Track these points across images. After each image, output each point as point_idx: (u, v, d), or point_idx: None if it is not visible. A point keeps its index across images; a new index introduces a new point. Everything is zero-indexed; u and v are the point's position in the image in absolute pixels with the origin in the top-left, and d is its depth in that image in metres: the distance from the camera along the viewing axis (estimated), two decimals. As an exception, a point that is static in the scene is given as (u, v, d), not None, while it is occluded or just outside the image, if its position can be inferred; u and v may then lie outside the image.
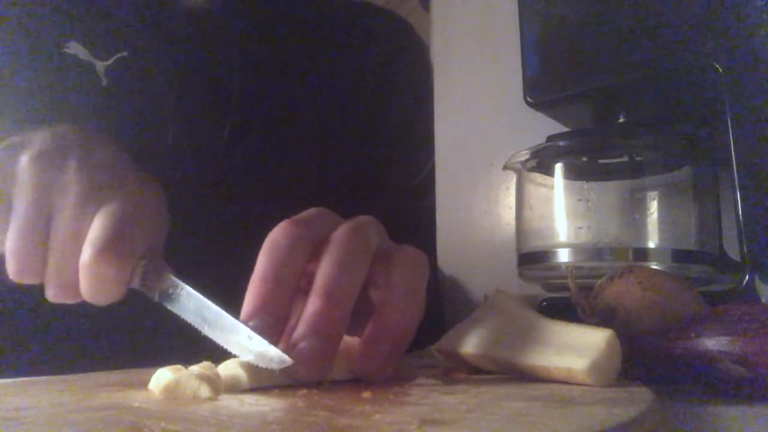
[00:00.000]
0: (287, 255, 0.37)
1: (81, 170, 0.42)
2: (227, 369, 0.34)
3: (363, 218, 0.40)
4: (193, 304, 0.39)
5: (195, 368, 0.33)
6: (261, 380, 0.34)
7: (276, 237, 0.38)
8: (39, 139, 0.44)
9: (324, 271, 0.36)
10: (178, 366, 0.33)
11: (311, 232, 0.38)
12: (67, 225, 0.41)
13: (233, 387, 0.33)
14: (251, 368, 0.34)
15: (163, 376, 0.31)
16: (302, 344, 0.34)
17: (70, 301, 0.43)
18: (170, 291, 0.41)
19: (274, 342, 0.34)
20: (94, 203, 0.42)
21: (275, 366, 0.33)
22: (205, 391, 0.31)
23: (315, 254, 0.38)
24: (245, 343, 0.35)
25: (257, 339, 0.34)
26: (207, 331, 0.37)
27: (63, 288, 0.42)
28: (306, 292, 0.37)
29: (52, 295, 0.43)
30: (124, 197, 0.42)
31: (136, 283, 0.42)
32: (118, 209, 0.41)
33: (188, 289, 0.40)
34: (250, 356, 0.34)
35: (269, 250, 0.37)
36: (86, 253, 0.40)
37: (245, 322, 0.35)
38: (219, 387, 0.31)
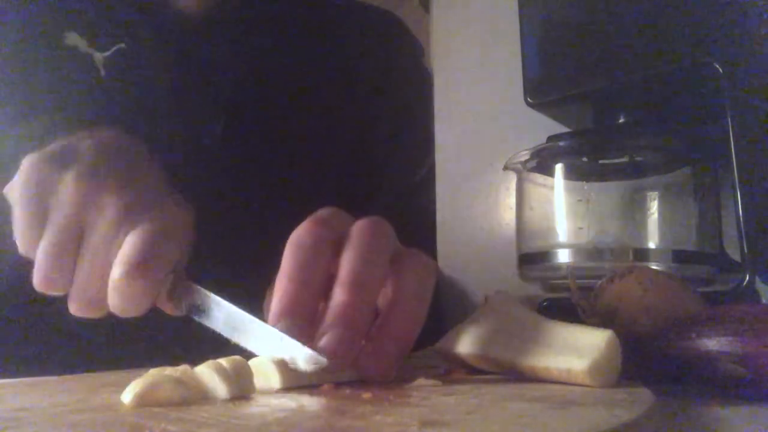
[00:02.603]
0: (313, 255, 0.37)
1: (120, 192, 0.43)
2: (259, 366, 0.34)
3: (377, 218, 0.40)
4: (222, 313, 0.40)
5: (169, 370, 0.33)
6: (292, 380, 0.34)
7: (301, 237, 0.38)
8: (82, 153, 0.44)
9: (349, 263, 0.37)
10: (152, 372, 0.33)
11: (333, 230, 0.39)
12: (100, 243, 0.42)
13: (265, 385, 0.34)
14: (284, 368, 0.34)
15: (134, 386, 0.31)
16: (329, 334, 0.34)
17: (92, 315, 0.44)
18: (198, 303, 0.41)
19: (305, 342, 0.34)
20: (128, 223, 0.42)
21: (310, 366, 0.33)
22: (222, 391, 0.31)
23: (336, 253, 0.38)
24: (278, 346, 0.35)
25: (289, 341, 0.34)
26: (237, 338, 0.38)
27: (87, 303, 0.43)
28: (327, 291, 0.37)
29: (75, 308, 0.44)
30: (156, 217, 0.43)
31: (163, 298, 0.43)
32: (150, 230, 0.42)
33: (216, 298, 0.41)
34: (285, 357, 0.34)
35: (295, 251, 0.37)
36: (117, 271, 0.41)
37: (274, 324, 0.35)
38: (189, 390, 0.31)
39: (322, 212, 0.40)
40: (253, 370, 0.33)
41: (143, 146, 0.49)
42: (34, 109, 0.63)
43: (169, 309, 0.43)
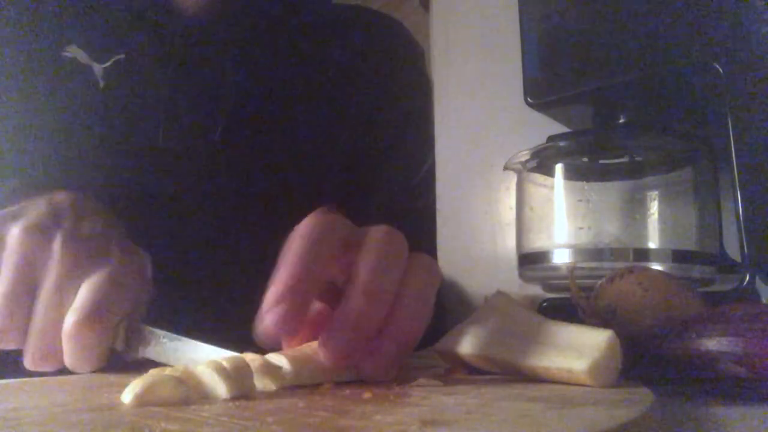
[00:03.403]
0: (318, 243, 0.37)
1: (67, 244, 0.45)
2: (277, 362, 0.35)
3: (390, 227, 0.40)
4: (177, 348, 0.42)
5: (169, 370, 0.33)
6: (302, 377, 0.35)
7: (308, 225, 0.38)
8: (34, 209, 0.46)
9: (366, 268, 0.37)
10: (152, 372, 0.33)
11: (340, 227, 0.39)
12: (51, 294, 0.43)
13: (277, 381, 0.34)
14: (295, 364, 0.34)
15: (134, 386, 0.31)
16: (338, 337, 0.35)
17: (48, 369, 0.44)
18: (154, 346, 0.44)
19: (294, 329, 0.35)
20: (78, 275, 0.44)
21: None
22: (222, 391, 0.31)
23: (342, 250, 0.38)
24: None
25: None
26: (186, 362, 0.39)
27: (42, 355, 0.44)
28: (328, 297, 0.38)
29: (30, 362, 0.44)
30: (107, 268, 0.45)
31: (119, 346, 0.44)
32: (101, 280, 0.44)
33: (171, 336, 0.43)
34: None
35: (301, 237, 0.37)
36: (69, 321, 0.43)
37: (269, 309, 0.35)
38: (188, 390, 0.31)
39: (321, 210, 0.40)
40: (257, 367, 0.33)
41: (98, 203, 0.51)
42: (33, 123, 0.64)
43: (127, 355, 0.45)
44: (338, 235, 0.39)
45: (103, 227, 0.48)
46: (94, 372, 0.44)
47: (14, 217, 0.46)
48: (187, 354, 0.41)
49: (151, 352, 0.43)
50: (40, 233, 0.45)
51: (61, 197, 0.48)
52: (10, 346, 0.44)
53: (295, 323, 0.34)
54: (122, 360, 0.45)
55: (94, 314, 0.43)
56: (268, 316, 0.34)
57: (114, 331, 0.44)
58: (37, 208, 0.47)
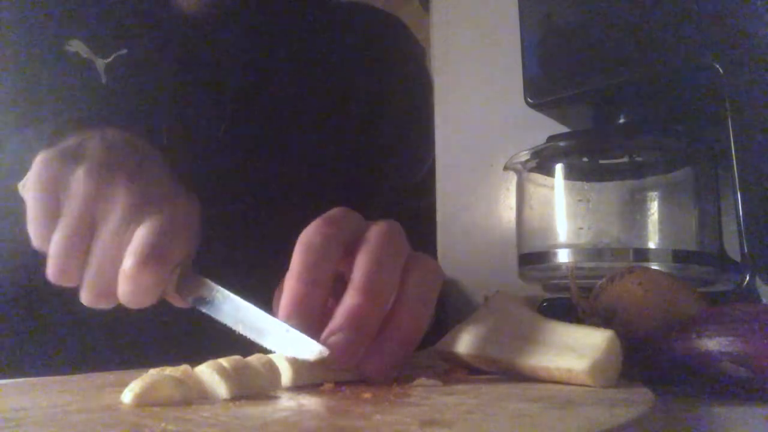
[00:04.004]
0: (322, 255, 0.37)
1: (129, 187, 0.44)
2: (280, 362, 0.35)
3: (393, 222, 0.41)
4: (229, 306, 0.41)
5: (169, 370, 0.33)
6: (302, 377, 0.35)
7: (310, 236, 0.38)
8: (92, 149, 0.46)
9: (364, 267, 0.37)
10: (152, 372, 0.33)
11: (343, 230, 0.39)
12: (111, 236, 0.44)
13: (277, 382, 0.34)
14: (295, 364, 0.35)
15: (134, 386, 0.31)
16: (337, 336, 0.35)
17: (104, 306, 0.45)
18: (205, 296, 0.43)
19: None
20: (138, 217, 0.44)
21: (314, 357, 0.34)
22: (222, 391, 0.31)
23: (346, 253, 0.38)
24: (283, 339, 0.36)
25: (294, 333, 0.35)
26: (242, 330, 0.38)
27: (99, 293, 0.44)
28: (335, 290, 0.37)
29: (86, 299, 0.45)
30: (165, 212, 0.44)
31: (171, 290, 0.44)
32: (159, 224, 0.43)
33: (223, 291, 0.42)
34: (290, 351, 0.35)
35: (304, 250, 0.38)
36: (128, 263, 0.43)
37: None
38: (190, 390, 0.31)
39: (333, 212, 0.41)
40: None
41: (150, 144, 0.50)
42: (37, 116, 0.63)
43: (177, 301, 0.44)
44: (343, 238, 0.39)
45: (161, 170, 0.48)
46: (93, 372, 0.45)
47: (74, 156, 0.45)
48: (232, 313, 0.40)
49: (200, 301, 0.43)
50: (104, 176, 0.44)
51: (115, 136, 0.48)
52: (70, 283, 0.44)
53: (307, 335, 0.35)
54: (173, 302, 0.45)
55: (152, 258, 0.42)
56: None
57: (169, 274, 0.44)
58: (96, 148, 0.46)
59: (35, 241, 0.45)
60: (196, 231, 0.48)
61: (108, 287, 0.44)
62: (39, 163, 0.46)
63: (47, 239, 0.44)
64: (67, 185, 0.44)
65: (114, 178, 0.44)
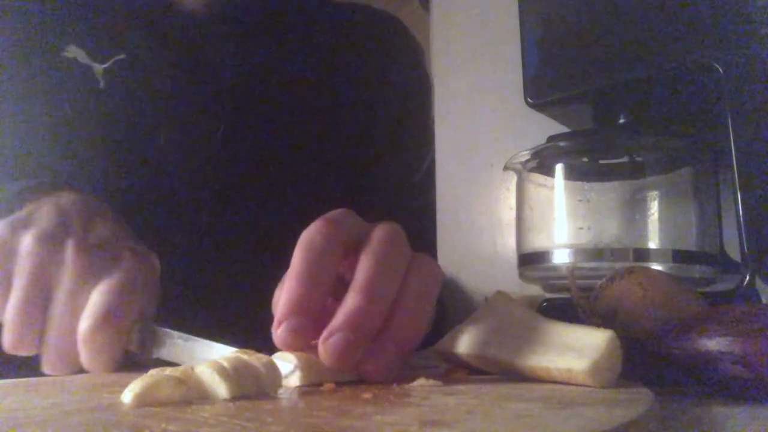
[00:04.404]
0: (322, 254, 0.37)
1: (79, 251, 0.45)
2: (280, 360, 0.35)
3: (394, 224, 0.41)
4: (194, 348, 0.42)
5: (169, 370, 0.33)
6: (312, 376, 0.35)
7: (311, 236, 0.38)
8: (43, 216, 0.47)
9: (365, 269, 0.37)
10: (152, 372, 0.33)
11: (344, 232, 0.39)
12: (66, 300, 0.44)
13: (277, 382, 0.34)
14: (306, 364, 0.35)
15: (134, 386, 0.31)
16: (337, 336, 0.35)
17: (66, 372, 0.45)
18: (168, 346, 0.44)
19: (304, 343, 0.35)
20: (92, 280, 0.44)
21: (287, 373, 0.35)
22: (222, 391, 0.31)
23: (346, 254, 0.38)
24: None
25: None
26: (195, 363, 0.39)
27: (60, 359, 0.44)
28: (335, 291, 0.38)
29: (49, 367, 0.45)
30: (119, 271, 0.45)
31: (133, 348, 0.45)
32: (113, 284, 0.44)
33: (185, 336, 0.43)
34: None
35: (305, 249, 0.38)
36: (83, 326, 0.43)
37: (281, 322, 0.36)
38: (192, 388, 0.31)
39: (334, 212, 0.41)
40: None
41: (105, 205, 0.51)
42: (33, 125, 0.64)
43: (139, 356, 0.45)
44: (344, 238, 0.39)
45: (112, 230, 0.48)
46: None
47: (24, 225, 0.46)
48: (200, 353, 0.42)
49: (165, 352, 0.44)
50: (52, 241, 0.45)
51: (67, 200, 0.49)
52: (28, 352, 0.44)
53: (304, 337, 0.35)
54: (136, 361, 0.45)
55: (108, 318, 0.43)
56: (278, 331, 0.35)
57: (128, 333, 0.45)
58: (45, 214, 0.47)
59: None
60: (155, 286, 0.48)
61: (68, 353, 0.44)
62: None
63: (0, 311, 0.44)
64: (16, 254, 0.44)
65: (63, 242, 0.45)
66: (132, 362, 0.45)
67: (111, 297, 0.44)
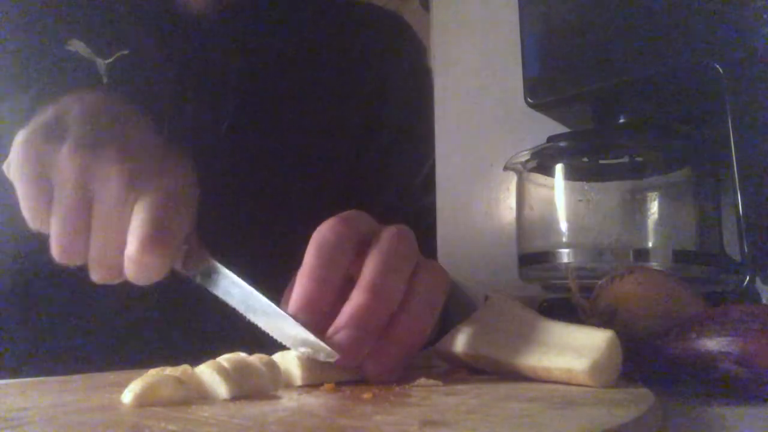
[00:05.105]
0: (335, 253, 0.37)
1: (120, 159, 0.42)
2: (283, 362, 0.35)
3: (404, 226, 0.41)
4: (237, 290, 0.40)
5: (169, 370, 0.33)
6: (313, 377, 0.35)
7: (325, 235, 0.38)
8: (74, 124, 0.44)
9: (372, 268, 0.37)
10: (152, 372, 0.33)
11: (357, 231, 0.39)
12: (109, 214, 0.42)
13: (288, 382, 0.34)
14: (306, 365, 0.35)
15: (134, 386, 0.31)
16: (342, 333, 0.35)
17: (113, 282, 0.43)
18: (212, 274, 0.42)
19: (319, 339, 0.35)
20: (134, 191, 0.42)
21: (322, 358, 0.34)
22: (222, 391, 0.31)
23: (356, 254, 0.38)
24: (291, 332, 0.36)
25: (302, 329, 0.35)
26: (252, 316, 0.38)
27: (107, 270, 0.43)
28: (345, 290, 0.37)
29: (97, 277, 0.43)
30: (162, 184, 0.42)
31: (178, 266, 0.43)
32: (158, 198, 0.41)
33: (230, 275, 0.41)
34: (299, 347, 0.35)
35: (318, 247, 0.38)
36: (131, 246, 0.41)
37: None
38: (190, 389, 0.31)
39: (348, 212, 0.41)
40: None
41: (132, 107, 0.48)
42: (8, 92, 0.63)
43: (185, 271, 0.43)
44: (356, 238, 0.39)
45: (150, 138, 0.46)
46: (93, 372, 0.45)
47: (56, 131, 0.43)
48: (242, 298, 0.40)
49: (207, 281, 0.42)
50: (90, 152, 0.42)
51: (97, 101, 0.46)
52: (77, 262, 0.43)
53: (315, 332, 0.35)
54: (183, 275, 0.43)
55: (155, 237, 0.41)
56: None
57: (175, 252, 0.42)
58: (76, 119, 0.44)
59: (32, 224, 0.43)
60: (195, 200, 0.45)
61: (115, 264, 0.42)
62: (20, 143, 0.43)
63: (45, 221, 0.43)
64: (55, 164, 0.42)
65: (102, 154, 0.42)
66: (177, 275, 0.43)
67: (155, 215, 0.41)
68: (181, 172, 0.44)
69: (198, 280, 0.42)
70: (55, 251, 0.43)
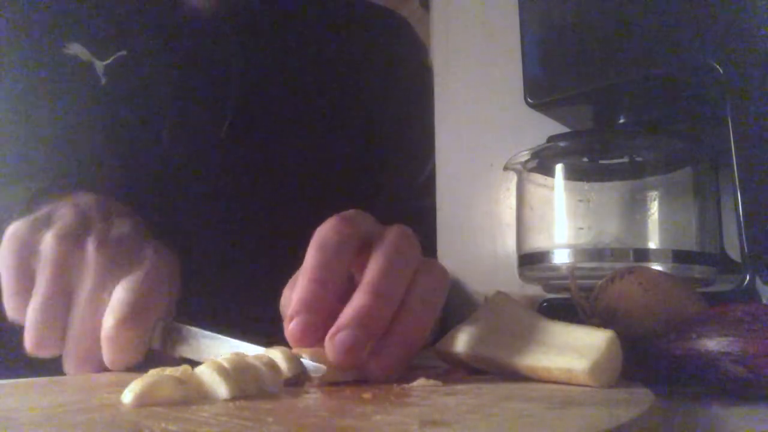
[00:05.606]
0: (336, 253, 0.38)
1: (100, 248, 0.44)
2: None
3: (406, 227, 0.41)
4: (216, 346, 0.42)
5: (169, 370, 0.33)
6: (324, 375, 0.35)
7: (326, 234, 0.38)
8: (62, 214, 0.46)
9: (375, 269, 0.37)
10: (152, 372, 0.33)
11: (358, 231, 0.39)
12: (88, 299, 0.44)
13: (277, 382, 0.34)
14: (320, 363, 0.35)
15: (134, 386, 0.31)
16: (343, 333, 0.35)
17: (87, 371, 0.45)
18: (191, 344, 0.43)
19: (315, 339, 0.36)
20: (113, 278, 0.44)
21: (310, 372, 0.35)
22: (222, 391, 0.31)
23: (358, 254, 0.39)
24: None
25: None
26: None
27: (82, 359, 0.44)
28: (347, 289, 0.38)
29: (72, 367, 0.44)
30: (140, 269, 0.45)
31: (155, 345, 0.44)
32: (136, 281, 0.44)
33: (207, 333, 0.43)
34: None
35: (319, 247, 0.38)
36: (108, 323, 0.43)
37: (292, 318, 0.36)
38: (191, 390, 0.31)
39: (350, 212, 0.41)
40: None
41: (123, 204, 0.51)
42: (33, 126, 0.63)
43: (162, 354, 0.45)
44: (358, 238, 0.39)
45: (132, 227, 0.48)
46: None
47: (44, 224, 0.46)
48: (221, 350, 0.41)
49: (187, 350, 0.43)
50: (73, 239, 0.44)
51: (85, 200, 0.48)
52: (51, 353, 0.44)
53: (315, 334, 0.36)
54: (159, 359, 0.45)
55: (131, 315, 0.43)
56: (290, 326, 0.36)
57: (151, 331, 0.44)
58: (65, 213, 0.47)
59: (9, 314, 0.45)
60: (175, 283, 0.48)
61: (90, 353, 0.44)
62: (9, 234, 0.45)
63: (22, 311, 0.44)
64: (38, 253, 0.44)
65: (84, 241, 0.44)
66: (155, 360, 0.45)
67: (134, 294, 0.43)
68: (159, 257, 0.47)
69: (176, 355, 0.44)
70: (29, 342, 0.44)
